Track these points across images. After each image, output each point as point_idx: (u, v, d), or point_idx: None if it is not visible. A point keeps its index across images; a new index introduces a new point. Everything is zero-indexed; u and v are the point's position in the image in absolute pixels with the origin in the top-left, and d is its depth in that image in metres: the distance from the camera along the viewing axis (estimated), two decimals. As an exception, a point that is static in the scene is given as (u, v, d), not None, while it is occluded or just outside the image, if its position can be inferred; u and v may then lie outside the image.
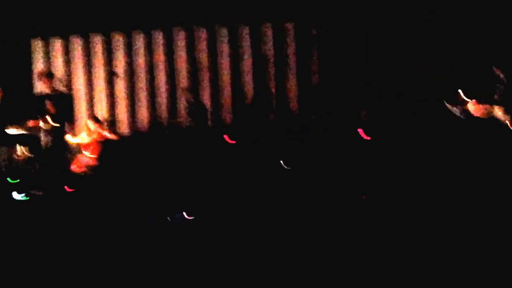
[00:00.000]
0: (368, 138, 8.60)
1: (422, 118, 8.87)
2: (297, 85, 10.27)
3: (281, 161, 8.80)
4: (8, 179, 8.89)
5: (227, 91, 10.44)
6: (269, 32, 10.32)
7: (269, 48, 10.34)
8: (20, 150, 8.99)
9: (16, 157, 9.06)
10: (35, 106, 9.11)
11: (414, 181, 7.63)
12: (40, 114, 9.01)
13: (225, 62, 10.42)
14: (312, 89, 10.13)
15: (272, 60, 10.34)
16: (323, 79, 10.10)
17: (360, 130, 8.75)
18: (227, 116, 10.45)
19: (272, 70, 10.33)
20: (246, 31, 10.35)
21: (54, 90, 9.36)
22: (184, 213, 7.37)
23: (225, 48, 10.39)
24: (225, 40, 10.40)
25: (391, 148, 8.49)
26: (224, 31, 10.39)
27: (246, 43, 10.35)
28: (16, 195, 8.62)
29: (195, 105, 9.99)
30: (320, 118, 9.84)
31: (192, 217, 7.36)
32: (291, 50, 10.28)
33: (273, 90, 10.28)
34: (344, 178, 8.04)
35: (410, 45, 9.48)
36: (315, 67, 10.15)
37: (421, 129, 8.75)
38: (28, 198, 8.56)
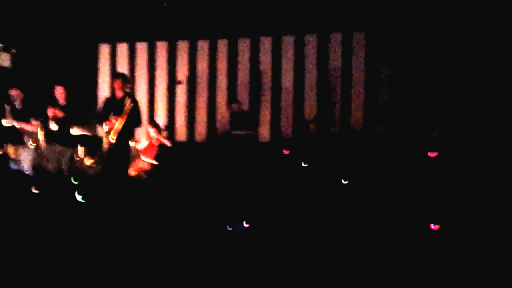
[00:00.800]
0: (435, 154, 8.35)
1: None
2: (363, 99, 9.99)
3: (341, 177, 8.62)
4: (72, 179, 8.88)
5: (289, 102, 10.31)
6: (337, 42, 10.06)
7: (336, 58, 10.10)
8: (82, 151, 9.02)
9: (77, 158, 9.10)
10: (99, 108, 9.11)
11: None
12: (102, 116, 8.99)
13: (289, 73, 10.28)
14: (380, 104, 9.88)
15: (338, 72, 10.11)
16: (392, 95, 9.81)
17: (430, 154, 8.49)
18: (288, 129, 10.32)
19: (338, 83, 10.10)
20: (313, 40, 10.15)
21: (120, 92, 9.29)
22: (244, 222, 7.27)
23: (290, 58, 10.25)
24: (290, 49, 10.26)
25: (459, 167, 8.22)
26: (290, 40, 10.24)
27: (312, 53, 10.15)
28: (77, 196, 8.62)
29: (254, 117, 9.89)
30: (385, 134, 9.58)
31: (249, 225, 7.29)
32: (360, 61, 9.98)
33: (338, 103, 10.05)
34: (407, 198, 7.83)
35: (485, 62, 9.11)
36: (384, 81, 9.83)
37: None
38: (85, 200, 8.55)
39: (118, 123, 8.53)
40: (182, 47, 10.59)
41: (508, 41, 8.89)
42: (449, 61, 9.29)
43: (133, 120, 8.69)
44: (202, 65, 10.53)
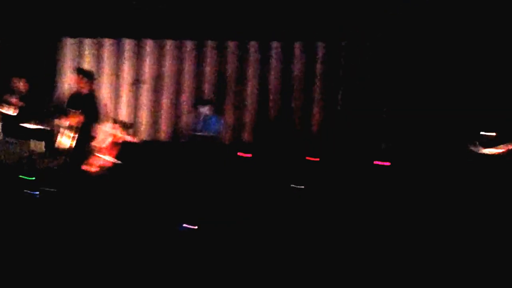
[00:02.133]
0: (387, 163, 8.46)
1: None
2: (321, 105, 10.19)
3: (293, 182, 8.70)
4: (22, 176, 8.87)
5: (253, 106, 10.42)
6: (299, 51, 10.28)
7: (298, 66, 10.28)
8: (34, 145, 9.00)
9: (29, 151, 9.07)
10: (58, 103, 9.10)
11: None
12: (62, 111, 8.98)
13: (253, 77, 10.39)
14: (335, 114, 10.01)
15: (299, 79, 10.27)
16: (346, 104, 10.00)
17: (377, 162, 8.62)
18: (248, 134, 10.40)
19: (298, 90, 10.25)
20: (277, 47, 10.35)
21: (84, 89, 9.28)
22: (188, 224, 7.31)
23: (254, 63, 10.38)
24: (255, 55, 10.41)
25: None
26: (255, 46, 10.41)
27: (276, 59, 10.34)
28: (32, 192, 8.61)
29: (217, 119, 9.91)
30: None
31: (197, 227, 7.31)
32: (319, 70, 10.21)
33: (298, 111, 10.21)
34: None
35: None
36: (339, 91, 10.08)
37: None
38: (39, 194, 8.52)
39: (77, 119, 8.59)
40: (149, 46, 10.60)
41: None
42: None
43: (92, 116, 8.75)
44: (169, 65, 10.54)
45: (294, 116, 10.25)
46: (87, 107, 8.91)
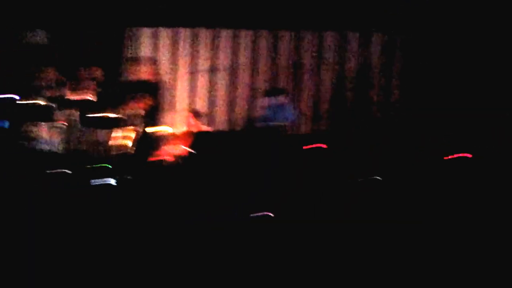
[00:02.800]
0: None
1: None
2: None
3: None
4: (101, 164, 8.97)
5: (326, 97, 10.23)
6: (378, 41, 10.14)
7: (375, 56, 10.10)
8: (117, 134, 9.10)
9: (111, 141, 9.18)
10: (131, 92, 9.15)
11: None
12: (136, 100, 9.05)
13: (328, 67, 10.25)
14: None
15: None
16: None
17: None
18: (324, 123, 10.21)
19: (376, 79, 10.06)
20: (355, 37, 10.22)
21: (154, 78, 9.35)
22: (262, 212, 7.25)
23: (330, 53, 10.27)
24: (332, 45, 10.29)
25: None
26: (332, 36, 10.29)
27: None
28: (110, 180, 8.70)
29: (291, 109, 9.76)
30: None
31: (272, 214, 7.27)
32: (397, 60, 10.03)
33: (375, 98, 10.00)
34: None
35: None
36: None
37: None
38: (118, 183, 8.60)
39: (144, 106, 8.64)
40: (225, 36, 10.55)
41: None
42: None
43: (158, 104, 8.90)
44: (244, 55, 10.50)
45: (371, 107, 10.00)
46: (154, 95, 8.99)
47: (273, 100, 9.96)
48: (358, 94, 10.20)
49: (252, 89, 10.58)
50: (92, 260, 5.72)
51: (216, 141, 9.78)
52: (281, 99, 9.73)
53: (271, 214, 7.24)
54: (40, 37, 10.05)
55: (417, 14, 9.83)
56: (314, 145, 9.18)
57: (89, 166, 8.56)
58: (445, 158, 8.47)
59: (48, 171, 8.27)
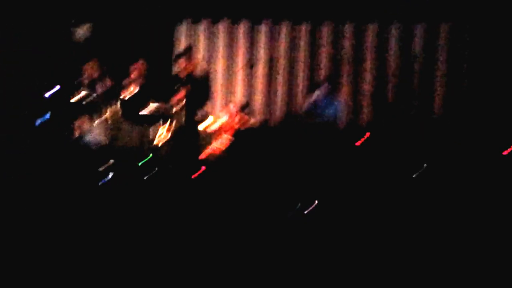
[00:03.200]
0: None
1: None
2: (444, 87, 9.76)
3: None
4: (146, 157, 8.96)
5: (369, 88, 10.06)
6: (421, 32, 9.93)
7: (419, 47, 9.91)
8: (162, 131, 9.08)
9: (157, 139, 9.15)
10: (173, 88, 9.12)
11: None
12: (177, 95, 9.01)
13: (370, 59, 10.08)
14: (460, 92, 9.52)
15: (420, 60, 9.89)
16: (473, 83, 9.49)
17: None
18: (367, 115, 10.06)
19: (419, 70, 9.88)
20: (396, 29, 10.02)
21: (193, 72, 9.28)
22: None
23: (372, 45, 10.08)
24: (374, 37, 10.11)
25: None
26: (373, 28, 10.10)
27: (395, 41, 10.01)
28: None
29: (334, 101, 9.61)
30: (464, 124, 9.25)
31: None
32: (443, 51, 9.82)
33: (418, 90, 9.83)
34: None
35: None
36: (466, 70, 9.62)
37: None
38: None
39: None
40: (263, 30, 10.45)
41: None
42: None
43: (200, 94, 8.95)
44: (281, 48, 10.37)
45: (414, 99, 9.84)
46: (193, 87, 8.98)
47: (320, 95, 9.89)
48: (400, 87, 9.99)
49: (293, 83, 10.45)
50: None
51: (258, 136, 9.72)
52: (328, 93, 9.61)
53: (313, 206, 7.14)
54: (86, 31, 10.06)
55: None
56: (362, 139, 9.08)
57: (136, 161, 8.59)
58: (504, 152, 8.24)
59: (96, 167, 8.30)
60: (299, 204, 7.25)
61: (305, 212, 7.17)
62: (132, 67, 9.13)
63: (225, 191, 7.87)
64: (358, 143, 9.14)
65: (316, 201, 7.22)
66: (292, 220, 6.94)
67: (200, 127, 9.55)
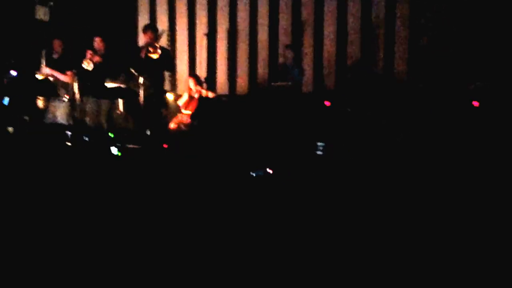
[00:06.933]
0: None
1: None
2: (406, 49, 9.66)
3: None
4: (110, 134, 8.93)
5: (330, 53, 9.99)
6: None
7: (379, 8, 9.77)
8: (122, 105, 9.03)
9: (118, 112, 9.11)
10: (136, 60, 9.03)
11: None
12: (140, 68, 8.93)
13: (330, 22, 9.96)
14: (421, 51, 9.48)
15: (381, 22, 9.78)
16: (433, 41, 9.42)
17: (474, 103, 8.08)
18: (329, 81, 10.01)
19: (381, 32, 9.77)
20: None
21: (156, 44, 9.18)
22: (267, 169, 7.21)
23: (331, 7, 9.92)
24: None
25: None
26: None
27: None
28: (113, 150, 8.65)
29: (295, 66, 9.57)
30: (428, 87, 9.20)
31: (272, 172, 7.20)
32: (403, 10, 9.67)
33: (381, 53, 9.73)
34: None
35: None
36: (426, 29, 9.49)
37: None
38: (121, 153, 8.55)
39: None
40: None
41: None
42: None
43: (164, 67, 8.97)
44: (242, 17, 10.27)
45: (376, 60, 9.79)
46: (159, 61, 8.93)
47: (280, 59, 9.83)
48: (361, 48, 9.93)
49: (253, 50, 10.37)
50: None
51: (222, 106, 9.69)
52: (288, 57, 9.56)
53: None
54: (46, 10, 9.94)
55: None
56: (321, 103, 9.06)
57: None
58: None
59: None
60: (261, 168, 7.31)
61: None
62: (95, 42, 9.02)
63: (193, 157, 7.93)
64: (326, 103, 9.10)
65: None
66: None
67: (166, 98, 9.54)
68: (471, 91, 8.34)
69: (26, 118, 9.02)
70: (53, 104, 8.98)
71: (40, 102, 9.03)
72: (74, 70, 8.82)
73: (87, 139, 8.65)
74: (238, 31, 10.31)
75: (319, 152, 8.07)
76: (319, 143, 8.09)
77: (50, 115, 8.97)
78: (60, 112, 8.93)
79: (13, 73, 8.89)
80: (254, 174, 7.10)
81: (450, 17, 9.35)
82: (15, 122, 8.92)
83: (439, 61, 9.30)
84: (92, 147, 8.62)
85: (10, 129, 8.88)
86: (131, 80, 8.99)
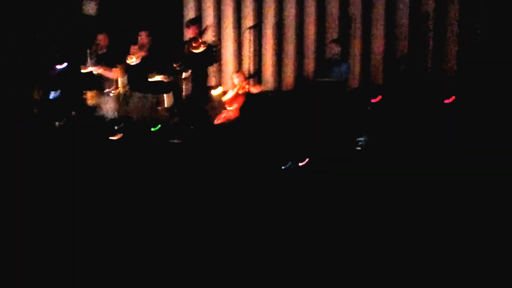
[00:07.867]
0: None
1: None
2: (457, 44, 9.48)
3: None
4: (152, 128, 8.96)
5: (379, 48, 9.82)
6: None
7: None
8: (168, 100, 9.03)
9: (162, 107, 9.12)
10: (179, 55, 9.02)
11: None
12: (183, 63, 8.91)
13: (379, 17, 9.78)
14: (472, 48, 9.27)
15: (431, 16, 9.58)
16: (484, 39, 9.26)
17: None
18: (378, 76, 9.82)
19: (430, 27, 9.59)
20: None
21: (200, 39, 9.15)
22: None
23: (380, 1, 9.75)
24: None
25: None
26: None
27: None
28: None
29: (343, 61, 9.39)
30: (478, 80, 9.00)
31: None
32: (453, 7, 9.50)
33: (430, 48, 9.58)
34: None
35: None
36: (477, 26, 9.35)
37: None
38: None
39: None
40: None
41: None
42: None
43: (207, 62, 8.97)
44: (290, 11, 10.13)
45: (427, 57, 9.61)
46: (202, 56, 8.92)
47: (327, 54, 9.69)
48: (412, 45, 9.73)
49: (301, 45, 10.24)
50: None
51: (268, 102, 9.61)
52: (335, 52, 9.39)
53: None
54: (93, 5, 10.02)
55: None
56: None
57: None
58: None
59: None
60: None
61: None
62: (140, 37, 9.03)
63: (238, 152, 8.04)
64: (373, 100, 8.99)
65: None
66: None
67: (212, 94, 9.49)
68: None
69: (74, 112, 9.12)
70: (101, 98, 9.02)
71: (88, 97, 9.11)
72: (120, 65, 8.85)
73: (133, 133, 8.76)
74: (284, 25, 10.17)
75: (358, 148, 8.05)
76: (360, 138, 8.06)
77: (98, 110, 9.02)
78: (108, 107, 8.96)
79: (60, 67, 8.96)
80: (285, 167, 7.17)
81: (501, 13, 9.21)
82: (62, 116, 9.04)
83: (489, 58, 9.12)
84: (138, 141, 8.69)
85: (58, 123, 8.99)
86: (175, 75, 9.01)
